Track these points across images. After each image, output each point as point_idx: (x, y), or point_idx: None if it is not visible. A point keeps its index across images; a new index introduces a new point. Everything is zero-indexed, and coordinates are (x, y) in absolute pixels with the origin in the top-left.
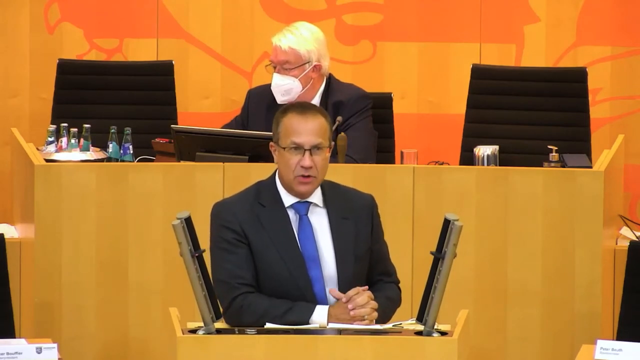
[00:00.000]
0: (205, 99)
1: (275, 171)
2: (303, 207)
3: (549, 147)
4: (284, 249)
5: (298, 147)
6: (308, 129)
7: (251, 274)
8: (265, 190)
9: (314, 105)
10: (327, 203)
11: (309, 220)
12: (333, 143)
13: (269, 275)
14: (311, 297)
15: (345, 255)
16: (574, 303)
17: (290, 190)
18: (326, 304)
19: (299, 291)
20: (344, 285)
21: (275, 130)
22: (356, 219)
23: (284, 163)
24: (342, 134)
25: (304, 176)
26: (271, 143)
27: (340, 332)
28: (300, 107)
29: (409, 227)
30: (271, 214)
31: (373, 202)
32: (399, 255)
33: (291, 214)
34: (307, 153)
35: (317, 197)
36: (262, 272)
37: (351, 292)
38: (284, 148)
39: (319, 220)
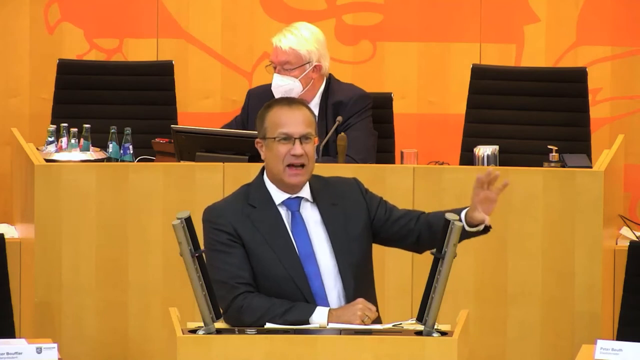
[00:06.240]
0: (205, 99)
1: (262, 171)
2: (294, 203)
3: (549, 147)
4: (279, 248)
5: (288, 137)
6: (296, 120)
7: (249, 273)
8: (254, 191)
9: (298, 99)
10: (316, 196)
11: (301, 216)
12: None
13: (265, 275)
14: (309, 294)
15: (341, 241)
16: (574, 303)
17: (280, 184)
18: (325, 300)
19: (297, 289)
20: (346, 272)
21: (261, 126)
22: (345, 202)
23: (272, 155)
24: (342, 134)
25: (294, 166)
26: (257, 140)
27: (340, 332)
28: (285, 100)
29: None
30: (262, 213)
31: (357, 181)
32: (399, 255)
33: (282, 211)
34: (297, 141)
35: (306, 192)
36: (259, 273)
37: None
38: (274, 139)
39: (311, 215)
